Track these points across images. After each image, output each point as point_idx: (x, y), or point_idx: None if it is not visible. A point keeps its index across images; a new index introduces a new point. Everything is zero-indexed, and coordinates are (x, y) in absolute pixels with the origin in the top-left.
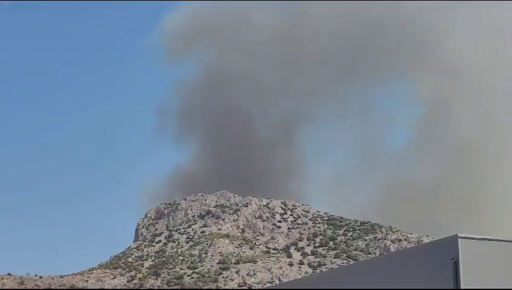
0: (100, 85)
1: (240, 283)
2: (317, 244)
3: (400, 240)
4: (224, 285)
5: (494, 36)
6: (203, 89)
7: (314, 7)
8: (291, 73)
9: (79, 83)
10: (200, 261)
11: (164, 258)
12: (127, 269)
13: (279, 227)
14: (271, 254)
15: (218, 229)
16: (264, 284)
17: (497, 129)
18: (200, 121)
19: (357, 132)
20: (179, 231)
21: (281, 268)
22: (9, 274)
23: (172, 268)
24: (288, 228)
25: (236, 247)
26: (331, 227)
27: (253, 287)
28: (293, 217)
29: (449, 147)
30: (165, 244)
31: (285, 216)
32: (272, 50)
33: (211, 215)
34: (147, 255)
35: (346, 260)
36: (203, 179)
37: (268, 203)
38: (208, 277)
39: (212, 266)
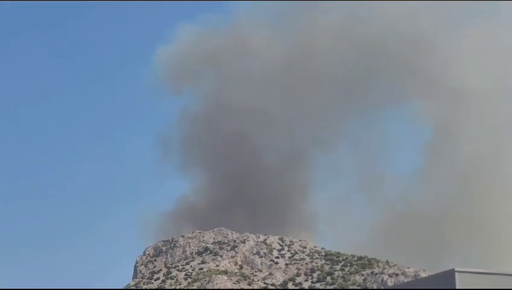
0: (99, 118)
1: None
2: (314, 280)
3: (397, 275)
4: None
5: (499, 58)
6: (204, 119)
7: (317, 33)
8: (295, 102)
9: (77, 117)
10: None
11: None
12: None
13: (276, 263)
14: None
15: (216, 266)
16: None
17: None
18: (202, 152)
19: (358, 160)
20: (177, 268)
21: None
22: None
23: None
24: (286, 264)
25: (234, 283)
26: (328, 262)
27: None
28: (291, 253)
29: (453, 174)
30: (163, 281)
31: (282, 252)
32: (275, 78)
33: (208, 252)
34: None
35: None
36: (203, 212)
37: (265, 239)
38: None
39: None
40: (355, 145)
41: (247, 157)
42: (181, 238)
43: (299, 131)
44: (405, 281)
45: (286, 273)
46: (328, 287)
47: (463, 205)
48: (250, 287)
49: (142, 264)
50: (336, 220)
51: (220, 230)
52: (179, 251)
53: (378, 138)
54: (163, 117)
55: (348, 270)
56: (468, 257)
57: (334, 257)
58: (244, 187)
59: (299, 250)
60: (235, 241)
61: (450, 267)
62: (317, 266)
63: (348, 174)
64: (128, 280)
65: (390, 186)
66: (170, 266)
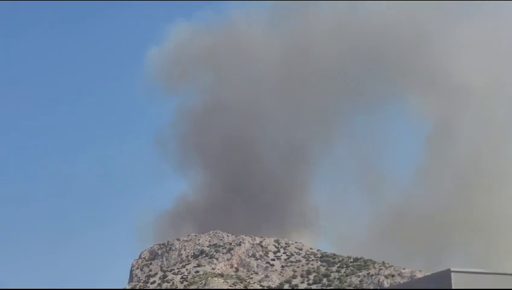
0: (95, 120)
1: None
2: (311, 281)
3: (393, 276)
4: None
5: (499, 55)
6: (201, 118)
7: (315, 29)
8: (293, 99)
9: (72, 119)
10: None
11: None
12: None
13: (272, 265)
14: None
15: (212, 269)
16: None
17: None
18: (200, 152)
19: (356, 157)
20: (173, 271)
21: None
22: None
23: None
24: (282, 266)
25: (230, 286)
26: (324, 264)
27: None
28: (286, 255)
29: (452, 172)
30: (159, 285)
31: (278, 254)
32: (272, 76)
33: (204, 255)
34: None
35: None
36: (201, 213)
37: (261, 242)
38: None
39: None
40: (353, 142)
41: (245, 156)
42: (177, 242)
43: (298, 128)
44: (401, 282)
45: (282, 276)
46: (325, 289)
47: (462, 203)
48: None
49: (138, 268)
50: (333, 219)
51: (216, 233)
52: (174, 254)
53: (377, 135)
54: (160, 117)
55: (344, 272)
56: (467, 256)
57: (330, 259)
58: (242, 186)
59: (295, 252)
60: (230, 243)
61: (448, 268)
62: (313, 268)
63: (347, 171)
64: (124, 284)
65: (388, 184)
66: (166, 269)
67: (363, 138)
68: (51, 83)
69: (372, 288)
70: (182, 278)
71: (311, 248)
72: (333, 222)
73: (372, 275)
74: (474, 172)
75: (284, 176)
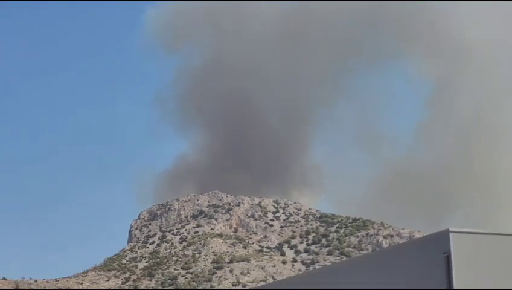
0: (94, 82)
1: (233, 282)
2: (310, 242)
3: (391, 236)
4: (218, 285)
5: (499, 13)
6: (202, 78)
7: None
8: (294, 58)
9: (72, 82)
10: (193, 262)
11: (158, 259)
12: (121, 271)
13: (271, 225)
14: (264, 253)
15: (211, 229)
16: (258, 283)
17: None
18: (200, 112)
19: (357, 117)
20: (172, 231)
21: (274, 266)
22: (4, 278)
23: (166, 269)
24: (281, 226)
25: (229, 246)
26: (323, 224)
27: (247, 286)
28: (285, 215)
29: (453, 131)
30: (158, 245)
31: (277, 214)
32: (273, 35)
33: (203, 216)
34: (140, 256)
35: (339, 256)
36: (201, 172)
37: (260, 202)
38: (202, 276)
39: (205, 266)
40: (353, 102)
41: (245, 116)
42: (176, 202)
43: (298, 88)
44: (400, 242)
45: (281, 236)
46: (323, 249)
47: (463, 162)
48: (245, 250)
49: (137, 229)
50: (333, 179)
51: (215, 193)
52: (173, 215)
53: (377, 95)
54: (159, 78)
55: (343, 232)
56: (468, 216)
57: (329, 219)
58: (242, 146)
59: (294, 212)
60: (229, 204)
61: (447, 228)
62: (312, 228)
63: (347, 131)
64: (123, 245)
65: (388, 144)
66: (165, 230)
67: (363, 97)
68: (50, 45)
69: (370, 249)
70: (181, 238)
71: (310, 209)
72: (333, 181)
73: (371, 236)
74: (475, 131)
75: (284, 136)
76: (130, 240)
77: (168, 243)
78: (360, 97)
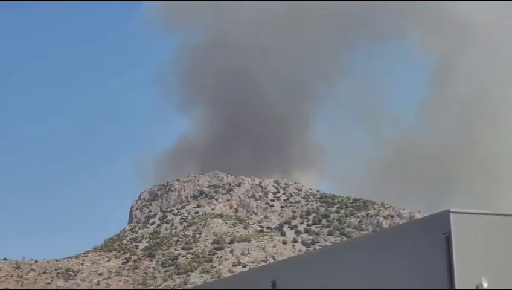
0: (95, 62)
1: (234, 262)
2: (310, 222)
3: (392, 217)
4: (219, 265)
5: None
6: (203, 56)
7: None
8: (296, 36)
9: (73, 63)
10: (194, 242)
11: (158, 240)
12: (122, 251)
13: (272, 206)
14: (265, 233)
15: (212, 210)
16: (259, 263)
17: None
18: (202, 90)
19: (358, 94)
20: (173, 212)
21: (274, 247)
22: (5, 259)
23: (166, 249)
24: (281, 207)
25: (230, 227)
26: (323, 205)
27: (247, 267)
28: (286, 196)
29: (455, 109)
30: (159, 225)
31: (277, 195)
32: (275, 12)
33: (204, 196)
34: (141, 237)
35: (339, 237)
36: (203, 151)
37: (260, 183)
38: (203, 257)
39: (206, 246)
40: (355, 80)
41: (247, 93)
42: (176, 182)
43: (299, 66)
44: (400, 223)
45: (281, 216)
46: (324, 230)
47: (464, 141)
48: (246, 231)
49: (137, 209)
50: (333, 158)
51: (215, 173)
52: (174, 195)
53: (378, 73)
54: (160, 56)
55: (344, 213)
56: (469, 197)
57: (330, 199)
58: (244, 124)
59: (294, 193)
60: (230, 184)
61: (447, 208)
62: (312, 209)
63: (348, 110)
64: (123, 225)
65: (390, 122)
66: (165, 210)
67: (364, 75)
68: (49, 23)
69: (371, 229)
70: (181, 219)
71: (310, 189)
72: (333, 161)
73: (371, 216)
74: (478, 109)
75: (286, 114)
76: (130, 221)
77: (169, 223)
78: (361, 75)
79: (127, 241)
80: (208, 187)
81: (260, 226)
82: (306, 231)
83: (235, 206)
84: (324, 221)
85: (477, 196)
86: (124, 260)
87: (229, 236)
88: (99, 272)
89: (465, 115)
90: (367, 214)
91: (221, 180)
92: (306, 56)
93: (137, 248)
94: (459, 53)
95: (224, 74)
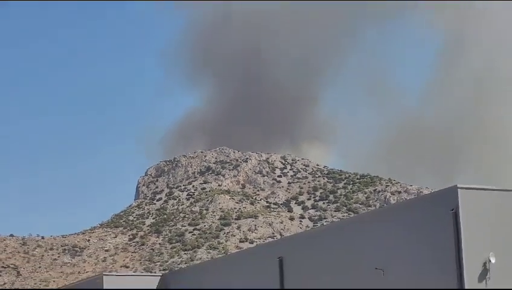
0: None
1: (241, 238)
2: (317, 198)
3: (399, 192)
4: (226, 241)
5: None
6: (212, 32)
7: None
8: (305, 10)
9: (80, 39)
10: (201, 218)
11: (165, 216)
12: (129, 228)
13: (279, 182)
14: (272, 209)
15: (219, 186)
16: (266, 239)
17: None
18: (210, 65)
19: (367, 69)
20: (180, 188)
21: (281, 223)
22: (11, 235)
23: (173, 225)
24: (289, 183)
25: (236, 203)
26: (331, 181)
27: (254, 243)
28: (293, 172)
29: (464, 84)
30: (165, 201)
31: (285, 171)
32: None
33: (211, 172)
34: (147, 213)
35: (346, 213)
36: (211, 127)
37: (267, 158)
38: (209, 233)
39: (213, 222)
40: (363, 55)
41: (255, 68)
42: (183, 158)
43: (308, 41)
44: (408, 198)
45: (289, 192)
46: (331, 206)
47: (473, 115)
48: (252, 207)
49: (144, 185)
50: (341, 133)
51: (222, 149)
52: (181, 171)
53: (387, 48)
54: (169, 31)
55: (351, 189)
56: (478, 173)
57: (337, 175)
58: (251, 99)
59: (301, 168)
60: (237, 160)
61: (455, 184)
62: (319, 185)
63: (357, 85)
64: (130, 201)
65: (398, 97)
66: (172, 186)
67: (372, 50)
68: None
69: (378, 205)
70: (188, 195)
71: (317, 165)
72: (341, 137)
73: (378, 192)
74: (487, 83)
75: (294, 89)
76: (137, 197)
77: (175, 199)
78: (370, 50)
79: (134, 217)
80: (214, 163)
81: (267, 202)
82: (313, 207)
83: (242, 182)
84: (331, 197)
85: (485, 171)
86: (131, 236)
87: (236, 212)
88: (106, 248)
89: (474, 90)
90: (374, 190)
91: (228, 156)
92: (315, 32)
93: (144, 224)
94: (468, 26)
95: (233, 49)
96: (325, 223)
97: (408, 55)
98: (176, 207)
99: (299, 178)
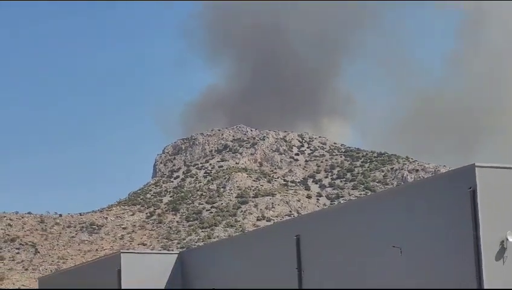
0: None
1: (258, 216)
2: (334, 176)
3: (417, 171)
4: (243, 219)
5: None
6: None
7: None
8: None
9: (97, 17)
10: (218, 196)
11: (182, 194)
12: (146, 206)
13: (296, 160)
14: (289, 187)
15: (236, 164)
16: (283, 217)
17: None
18: (229, 41)
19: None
20: (197, 166)
21: (299, 201)
22: (29, 213)
23: (190, 203)
24: (306, 161)
25: (254, 181)
26: (348, 159)
27: (271, 221)
28: (310, 150)
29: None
30: (183, 179)
31: (302, 149)
32: None
33: (228, 150)
34: (165, 191)
35: (363, 191)
36: (231, 103)
37: (285, 136)
38: (227, 211)
39: (230, 201)
40: (384, 29)
41: (274, 45)
42: (200, 136)
43: (328, 17)
44: (425, 177)
45: (306, 170)
46: (348, 184)
47: (493, 93)
48: (270, 185)
49: (161, 163)
50: (360, 110)
51: (239, 127)
52: (198, 149)
53: (407, 24)
54: (187, 7)
55: (368, 167)
56: (498, 150)
57: (354, 153)
58: (271, 76)
59: (318, 146)
60: (254, 138)
61: (473, 162)
62: (337, 163)
63: (376, 61)
64: (147, 179)
65: (418, 73)
66: (189, 164)
67: (392, 26)
68: None
69: (395, 183)
70: (205, 173)
71: (335, 143)
72: (359, 114)
73: (396, 170)
74: (507, 59)
75: (314, 66)
76: (154, 175)
77: (193, 177)
78: (389, 26)
79: (151, 195)
80: (232, 141)
81: (284, 180)
82: (330, 185)
83: (259, 160)
84: (348, 175)
85: (506, 150)
86: (148, 214)
87: (253, 190)
88: (123, 226)
89: (494, 65)
90: (392, 168)
91: (245, 134)
92: (336, 8)
93: (161, 202)
94: (487, 3)
95: (253, 25)
96: (342, 202)
97: (428, 31)
98: (193, 185)
99: (316, 156)
